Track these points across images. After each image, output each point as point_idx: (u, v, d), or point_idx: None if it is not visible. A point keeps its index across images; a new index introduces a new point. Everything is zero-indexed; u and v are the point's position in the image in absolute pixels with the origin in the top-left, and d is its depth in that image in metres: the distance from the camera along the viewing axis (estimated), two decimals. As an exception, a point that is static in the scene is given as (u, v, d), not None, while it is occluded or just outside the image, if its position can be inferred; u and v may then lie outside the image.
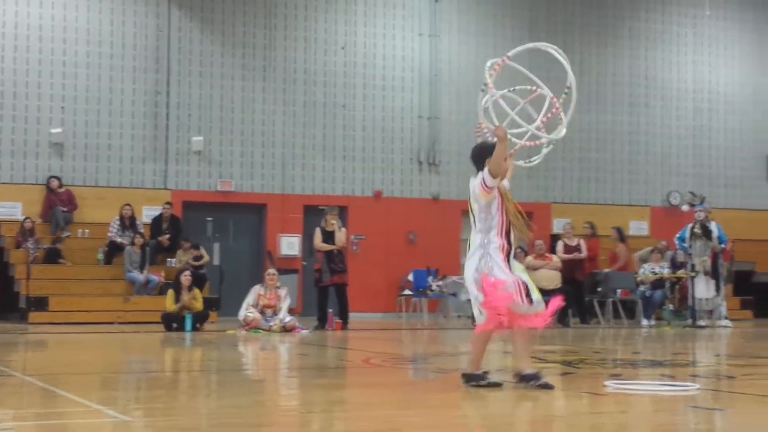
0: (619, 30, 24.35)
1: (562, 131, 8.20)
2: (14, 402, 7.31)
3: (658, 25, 24.70)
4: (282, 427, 6.34)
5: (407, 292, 21.29)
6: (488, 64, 8.06)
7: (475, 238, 7.72)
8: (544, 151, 8.49)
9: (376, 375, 9.67)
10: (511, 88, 8.47)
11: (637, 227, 23.95)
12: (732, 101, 25.04)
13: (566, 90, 8.18)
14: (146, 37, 21.07)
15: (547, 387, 7.62)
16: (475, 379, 7.72)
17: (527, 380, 7.66)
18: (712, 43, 25.00)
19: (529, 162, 8.68)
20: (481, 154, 7.79)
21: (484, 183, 7.58)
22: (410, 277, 21.46)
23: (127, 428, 6.03)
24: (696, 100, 24.82)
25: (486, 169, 7.59)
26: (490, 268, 7.57)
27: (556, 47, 8.29)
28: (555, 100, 8.17)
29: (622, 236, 21.22)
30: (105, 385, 8.62)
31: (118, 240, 19.55)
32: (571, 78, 8.14)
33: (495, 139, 7.68)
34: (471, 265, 7.67)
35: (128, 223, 19.79)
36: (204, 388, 8.71)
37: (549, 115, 8.10)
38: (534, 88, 8.42)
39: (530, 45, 8.45)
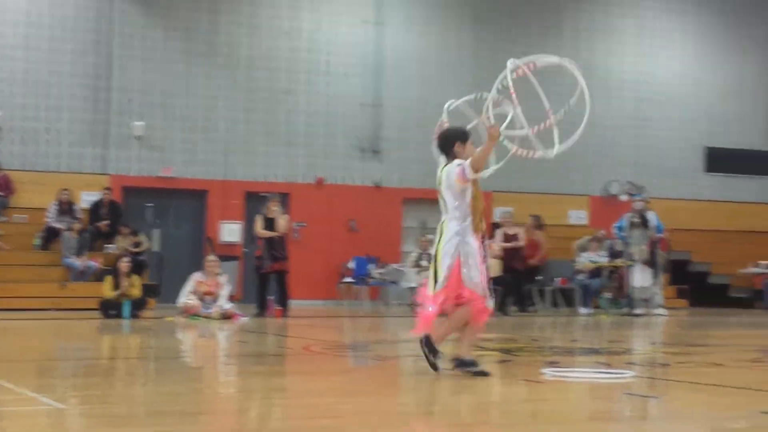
0: (562, 21, 24.48)
1: (553, 152, 8.16)
2: (-53, 389, 7.19)
3: (599, 15, 24.88)
4: (220, 414, 6.32)
5: (348, 279, 21.32)
6: (509, 65, 7.97)
7: (450, 225, 7.74)
8: (493, 167, 8.39)
9: (316, 362, 9.67)
10: (477, 95, 8.34)
11: (576, 216, 24.17)
12: (672, 92, 25.29)
13: (565, 108, 8.18)
14: (87, 19, 20.75)
15: (483, 375, 7.67)
16: (430, 350, 7.71)
17: (465, 366, 7.70)
18: (653, 35, 25.25)
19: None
20: (448, 140, 7.88)
21: (464, 175, 7.64)
22: (351, 265, 21.49)
23: (62, 416, 5.97)
24: (637, 90, 25.05)
25: (467, 162, 7.63)
26: (466, 256, 7.64)
27: (578, 68, 8.22)
28: (550, 112, 8.14)
29: (539, 224, 20.76)
30: (41, 373, 8.53)
31: (56, 225, 19.28)
32: (587, 100, 8.09)
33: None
34: (448, 251, 7.66)
35: (66, 208, 19.53)
36: (141, 375, 8.65)
37: (541, 126, 8.07)
38: (501, 98, 8.36)
39: (556, 59, 8.34)
